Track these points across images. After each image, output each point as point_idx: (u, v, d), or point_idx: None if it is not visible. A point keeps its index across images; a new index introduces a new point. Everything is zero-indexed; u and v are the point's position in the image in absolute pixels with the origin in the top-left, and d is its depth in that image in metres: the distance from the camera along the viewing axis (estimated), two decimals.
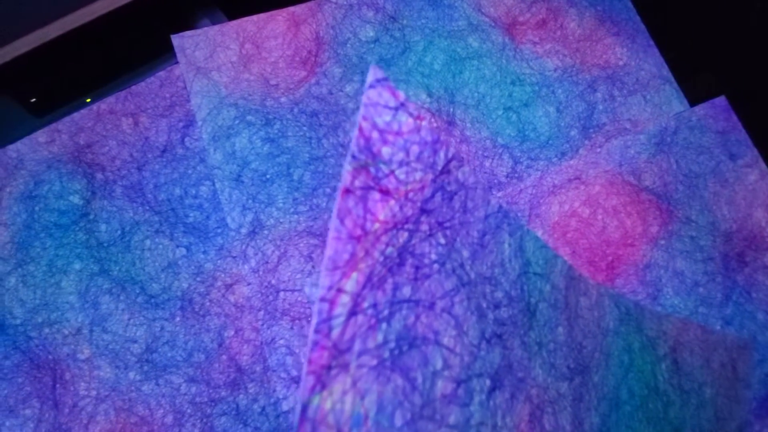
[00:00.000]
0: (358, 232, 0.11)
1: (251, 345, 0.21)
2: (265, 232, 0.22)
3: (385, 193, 0.11)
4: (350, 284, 0.10)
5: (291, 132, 0.23)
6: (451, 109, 0.24)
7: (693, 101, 0.25)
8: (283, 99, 0.24)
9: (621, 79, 0.26)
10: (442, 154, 0.12)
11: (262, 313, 0.21)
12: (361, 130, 0.11)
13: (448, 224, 0.13)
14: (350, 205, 0.11)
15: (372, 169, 0.11)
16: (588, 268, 0.23)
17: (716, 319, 0.23)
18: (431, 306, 0.12)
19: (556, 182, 0.24)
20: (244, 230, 0.22)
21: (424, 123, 0.12)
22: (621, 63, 0.26)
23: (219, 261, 0.22)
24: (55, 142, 0.22)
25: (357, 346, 0.10)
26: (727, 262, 0.24)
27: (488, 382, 0.12)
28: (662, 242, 0.24)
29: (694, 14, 0.26)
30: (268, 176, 0.23)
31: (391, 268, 0.11)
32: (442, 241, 0.12)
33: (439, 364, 0.12)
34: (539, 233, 0.23)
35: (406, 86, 0.24)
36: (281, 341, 0.21)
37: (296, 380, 0.20)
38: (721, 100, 0.25)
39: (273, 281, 0.22)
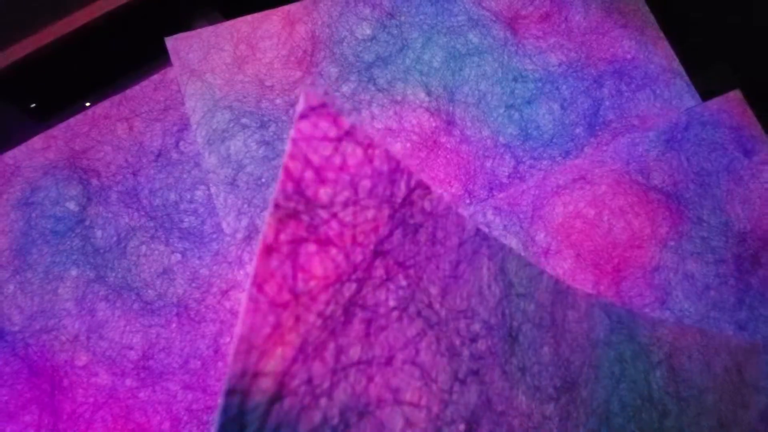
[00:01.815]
0: (285, 296, 0.09)
1: None
2: (261, 237, 0.22)
3: (324, 243, 0.09)
4: (273, 364, 0.08)
5: (287, 134, 0.23)
6: (451, 108, 0.24)
7: (705, 96, 0.24)
8: (278, 100, 0.23)
9: (629, 74, 0.25)
10: (402, 185, 0.11)
11: None
12: (287, 172, 0.09)
13: (411, 262, 0.11)
14: (273, 266, 0.09)
15: (305, 218, 0.09)
16: (593, 272, 0.22)
17: (729, 324, 0.22)
18: (389, 361, 0.10)
19: (560, 182, 0.23)
20: (239, 235, 0.22)
21: (377, 151, 0.10)
22: (629, 56, 0.25)
23: (214, 266, 0.21)
24: (51, 148, 0.22)
25: None
26: (741, 263, 0.23)
27: (462, 426, 0.11)
28: (672, 244, 0.23)
29: (705, 4, 0.24)
30: (263, 180, 0.22)
31: (334, 330, 0.09)
32: (404, 282, 0.11)
33: (399, 426, 0.10)
34: (542, 236, 0.23)
35: (404, 85, 0.24)
36: None
37: None
38: (734, 94, 0.24)
39: None
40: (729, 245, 0.23)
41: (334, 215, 0.10)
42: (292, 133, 0.09)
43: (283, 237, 0.09)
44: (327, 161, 0.10)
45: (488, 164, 0.23)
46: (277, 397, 0.09)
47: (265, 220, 0.09)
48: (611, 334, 0.17)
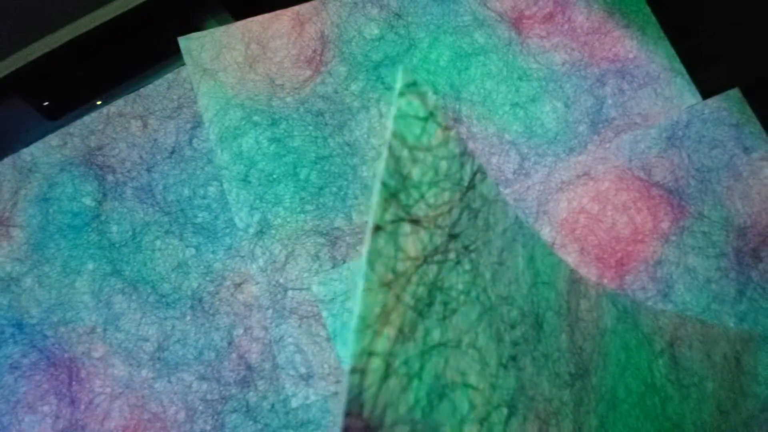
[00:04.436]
0: (389, 276, 0.09)
1: (260, 343, 0.21)
2: (273, 231, 0.22)
3: (416, 222, 0.10)
4: (382, 343, 0.09)
5: (297, 132, 0.23)
6: (457, 106, 0.24)
7: (705, 94, 0.25)
8: (288, 99, 0.24)
9: (631, 73, 0.25)
10: (468, 168, 0.11)
11: (270, 311, 0.21)
12: (391, 149, 0.09)
13: (473, 247, 0.11)
14: (381, 245, 0.09)
15: (402, 197, 0.09)
16: (597, 265, 0.23)
17: (729, 316, 0.23)
18: (458, 344, 0.10)
19: (564, 178, 0.24)
20: (251, 230, 0.22)
21: (452, 133, 0.10)
22: (631, 56, 0.25)
23: (228, 260, 0.22)
24: (67, 145, 0.23)
25: (389, 418, 0.09)
26: (741, 257, 0.23)
27: (505, 411, 0.11)
28: (673, 238, 0.23)
29: (706, 4, 0.25)
30: (274, 176, 0.23)
31: (422, 311, 0.10)
32: (468, 267, 0.11)
33: (465, 408, 0.10)
34: (547, 230, 0.23)
35: None
36: (290, 339, 0.21)
37: (304, 378, 0.21)
38: (734, 92, 0.25)
39: (281, 280, 0.22)
40: (730, 240, 0.24)
41: (423, 196, 0.10)
42: (393, 110, 0.09)
43: (387, 216, 0.09)
44: (417, 140, 0.10)
45: (494, 161, 0.24)
46: (384, 376, 0.09)
47: (372, 200, 0.09)
48: (618, 324, 0.17)
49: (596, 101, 0.25)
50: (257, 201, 0.22)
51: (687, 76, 0.25)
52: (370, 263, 0.09)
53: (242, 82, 0.24)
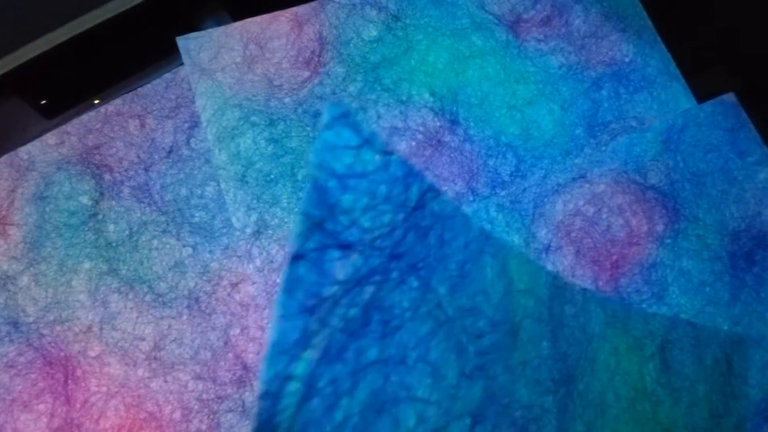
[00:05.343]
0: (312, 301, 0.09)
1: (256, 343, 0.21)
2: (270, 231, 0.22)
3: (346, 248, 0.10)
4: (301, 366, 0.09)
5: (295, 132, 0.24)
6: (455, 108, 0.24)
7: (701, 98, 0.25)
8: (286, 99, 0.24)
9: (627, 76, 0.25)
10: (415, 189, 0.11)
11: (267, 311, 0.21)
12: (314, 182, 0.09)
13: (422, 264, 0.11)
14: (301, 273, 0.09)
15: (329, 225, 0.10)
16: (592, 268, 0.23)
17: (723, 319, 0.23)
18: (402, 360, 0.11)
19: (560, 181, 0.24)
20: (248, 230, 0.22)
21: (394, 157, 0.11)
22: (627, 60, 0.26)
23: (224, 260, 0.22)
24: (64, 144, 0.23)
25: None
26: (735, 261, 0.24)
27: (468, 420, 0.12)
28: (668, 241, 0.23)
29: (701, 10, 0.25)
30: (272, 176, 0.23)
31: (354, 332, 0.10)
32: (415, 284, 0.11)
33: (412, 422, 0.11)
34: (543, 233, 0.23)
35: (409, 85, 0.25)
36: None
37: None
38: (729, 97, 0.25)
39: (278, 280, 0.22)
40: (724, 243, 0.24)
41: (355, 221, 0.10)
42: (317, 144, 0.10)
43: (310, 244, 0.09)
44: (349, 168, 0.10)
45: (491, 163, 0.24)
46: (305, 398, 0.09)
47: (293, 230, 0.09)
48: (606, 328, 0.17)
49: (593, 104, 0.25)
50: (254, 201, 0.22)
51: (683, 81, 0.25)
52: (287, 291, 0.09)
53: (240, 83, 0.24)
